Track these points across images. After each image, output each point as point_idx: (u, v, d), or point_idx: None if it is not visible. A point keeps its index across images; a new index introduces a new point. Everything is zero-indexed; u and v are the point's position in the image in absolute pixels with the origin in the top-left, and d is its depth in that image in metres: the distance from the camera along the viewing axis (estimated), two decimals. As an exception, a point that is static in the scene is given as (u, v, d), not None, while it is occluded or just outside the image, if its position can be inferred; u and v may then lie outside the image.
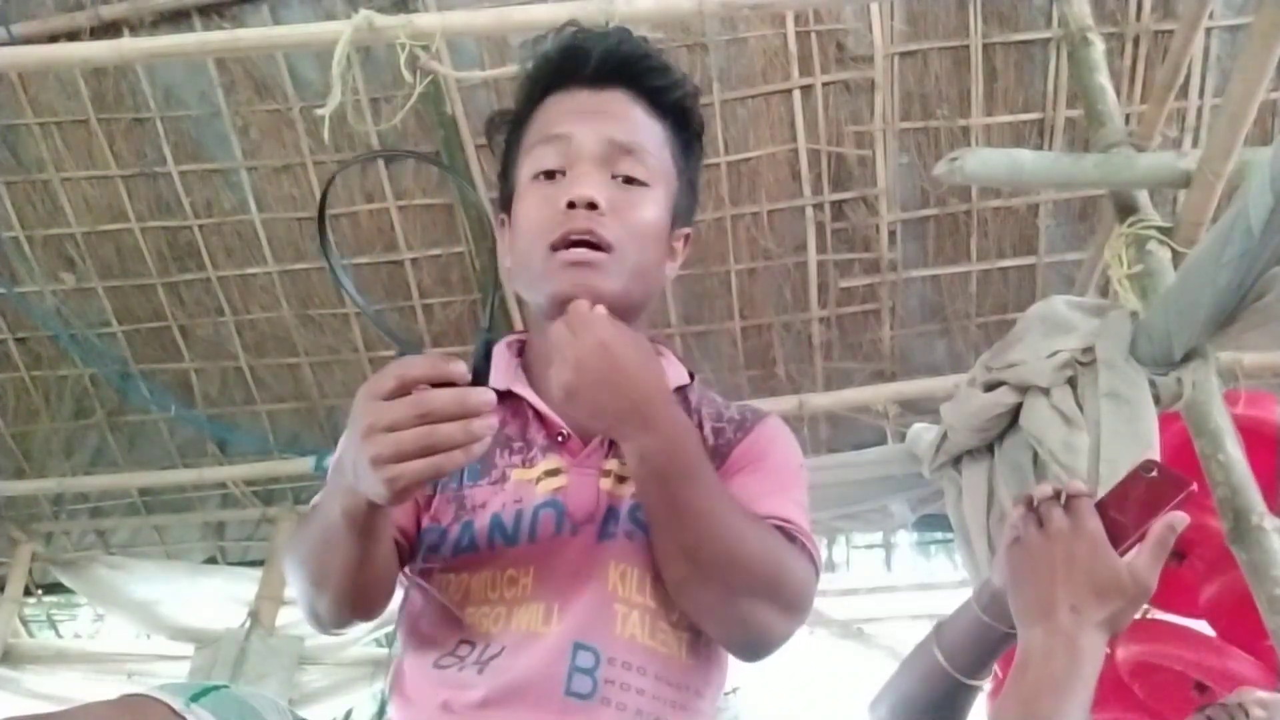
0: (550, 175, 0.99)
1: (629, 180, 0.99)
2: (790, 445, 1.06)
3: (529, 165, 1.01)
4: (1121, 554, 0.91)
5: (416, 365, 0.75)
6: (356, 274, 3.96)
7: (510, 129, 1.09)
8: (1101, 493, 0.96)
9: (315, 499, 0.98)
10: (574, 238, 0.95)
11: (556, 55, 1.05)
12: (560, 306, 0.95)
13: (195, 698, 0.76)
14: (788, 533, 0.93)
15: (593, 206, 0.95)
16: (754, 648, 0.93)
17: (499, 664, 0.89)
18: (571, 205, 0.95)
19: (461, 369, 0.75)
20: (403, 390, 0.74)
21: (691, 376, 1.09)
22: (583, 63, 1.02)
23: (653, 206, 1.00)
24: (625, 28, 1.10)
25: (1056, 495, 0.96)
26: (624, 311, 0.97)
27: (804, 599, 0.92)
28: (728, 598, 0.89)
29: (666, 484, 0.87)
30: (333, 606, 0.89)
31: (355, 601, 0.89)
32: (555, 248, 0.95)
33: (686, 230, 1.10)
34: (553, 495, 0.94)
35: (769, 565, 0.89)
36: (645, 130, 1.02)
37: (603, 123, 0.99)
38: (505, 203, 1.08)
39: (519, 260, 1.02)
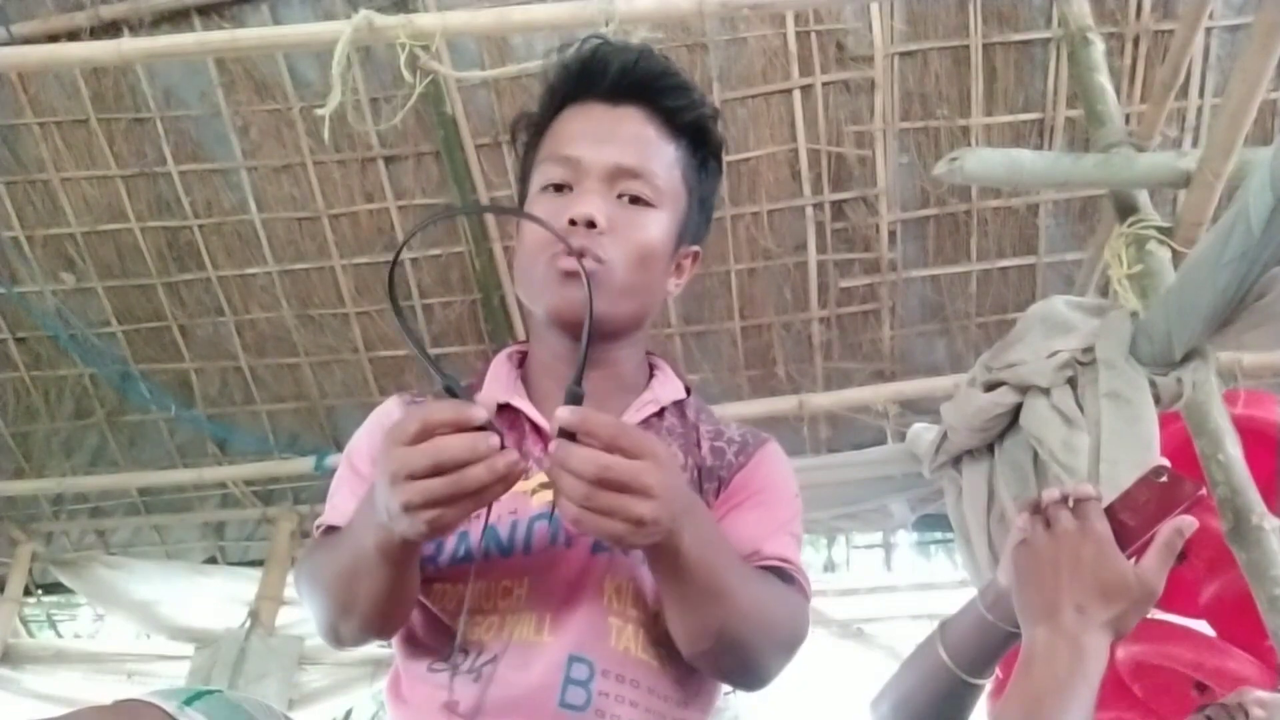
0: (558, 189, 1.00)
1: (635, 200, 1.00)
2: (789, 475, 1.07)
3: (539, 178, 1.03)
4: (1128, 557, 0.92)
5: (438, 411, 0.77)
6: (356, 274, 3.97)
7: (530, 134, 1.10)
8: (1105, 493, 0.97)
9: (321, 519, 1.01)
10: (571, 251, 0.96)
11: (575, 67, 1.05)
12: (555, 319, 0.98)
13: (188, 701, 0.76)
14: (787, 573, 0.95)
15: (592, 225, 0.96)
16: (753, 684, 0.95)
17: (494, 672, 0.90)
18: (573, 222, 0.96)
19: (481, 414, 0.77)
20: (426, 436, 0.77)
21: (688, 391, 1.10)
22: (600, 77, 1.03)
23: (655, 227, 1.00)
24: (648, 45, 1.09)
25: (1064, 499, 0.96)
26: (615, 327, 0.99)
27: (800, 640, 0.95)
28: (745, 658, 0.91)
29: (713, 568, 0.85)
30: (359, 630, 0.92)
31: (383, 624, 0.92)
32: (554, 257, 0.96)
33: (695, 248, 1.10)
34: (547, 507, 0.94)
35: (778, 621, 0.92)
36: (656, 151, 1.02)
37: (613, 146, 1.00)
38: (521, 205, 1.09)
39: (521, 267, 1.03)
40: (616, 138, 1.01)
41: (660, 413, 1.04)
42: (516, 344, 1.13)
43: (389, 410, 1.07)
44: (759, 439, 1.07)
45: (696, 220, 1.09)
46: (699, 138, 1.07)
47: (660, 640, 0.94)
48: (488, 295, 3.90)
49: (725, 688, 1.01)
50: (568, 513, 0.77)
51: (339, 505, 0.99)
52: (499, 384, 1.04)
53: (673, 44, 3.35)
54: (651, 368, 1.10)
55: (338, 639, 0.95)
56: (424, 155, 3.70)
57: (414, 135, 3.64)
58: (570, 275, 0.95)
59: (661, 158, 1.02)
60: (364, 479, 1.00)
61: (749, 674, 0.93)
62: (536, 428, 1.00)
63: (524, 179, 1.10)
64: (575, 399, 0.80)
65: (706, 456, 1.02)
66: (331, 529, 0.98)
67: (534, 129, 1.09)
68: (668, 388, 1.06)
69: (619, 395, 1.03)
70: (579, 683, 0.89)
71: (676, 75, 1.06)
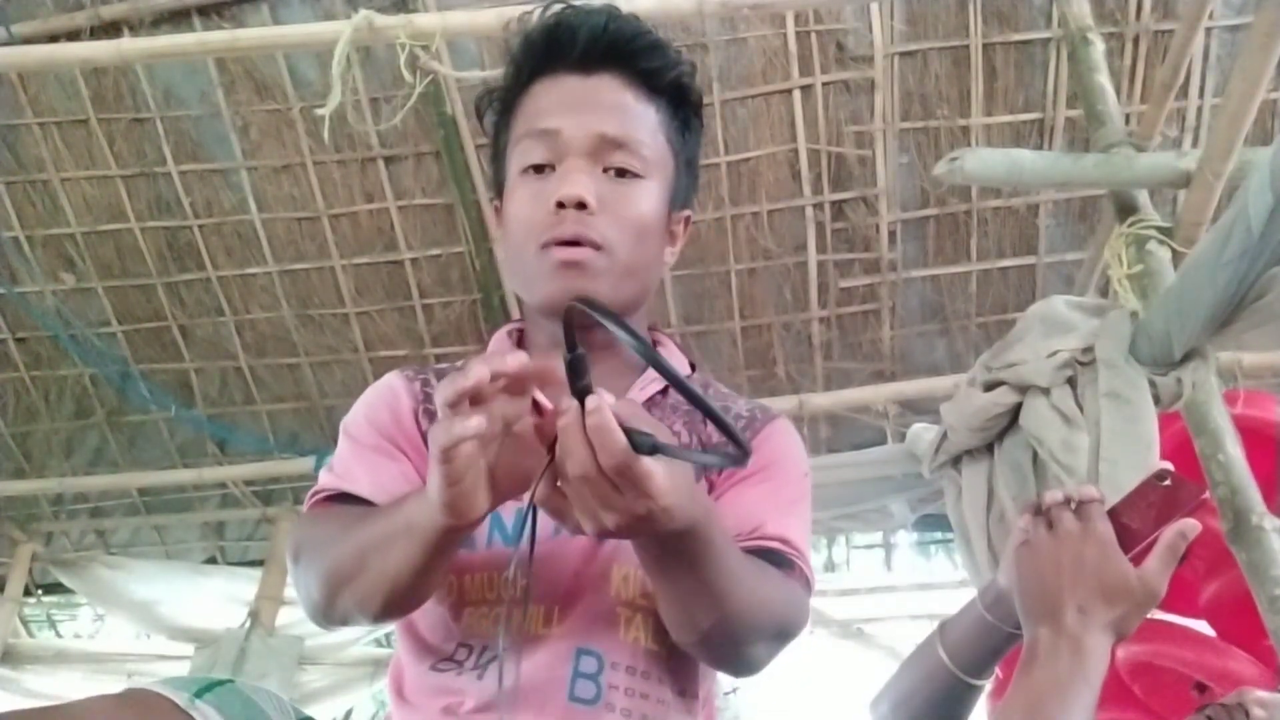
0: (540, 169, 0.95)
1: (621, 173, 0.95)
2: (798, 451, 1.03)
3: (518, 158, 0.97)
4: (1131, 559, 0.92)
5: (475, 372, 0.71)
6: (356, 274, 3.97)
7: (499, 111, 1.05)
8: (1105, 493, 0.97)
9: (319, 487, 0.96)
10: (564, 240, 0.91)
11: (541, 38, 0.98)
12: (552, 311, 0.92)
13: (200, 693, 0.75)
14: (786, 556, 0.91)
15: (582, 206, 0.91)
16: (745, 673, 0.92)
17: (500, 668, 0.87)
18: (561, 205, 0.91)
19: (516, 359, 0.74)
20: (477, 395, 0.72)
21: (693, 367, 1.08)
22: (569, 46, 0.97)
23: (646, 199, 0.96)
24: (614, 5, 1.01)
25: (1067, 501, 0.96)
26: (620, 308, 0.94)
27: (796, 629, 0.91)
28: (734, 651, 0.86)
29: (709, 548, 0.78)
30: (359, 604, 0.84)
31: (397, 604, 0.84)
32: (546, 246, 0.92)
33: (687, 212, 1.05)
34: None
35: (772, 616, 0.86)
36: (638, 118, 0.97)
37: (593, 115, 0.94)
38: (498, 188, 1.04)
39: (511, 256, 0.99)
40: (596, 107, 0.95)
41: (664, 390, 1.00)
42: (514, 321, 1.10)
43: (389, 384, 1.03)
44: (767, 414, 1.04)
45: (685, 184, 1.04)
46: (678, 96, 1.01)
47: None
48: (488, 295, 3.90)
49: (726, 687, 1.00)
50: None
51: (341, 472, 0.95)
52: None
53: (673, 44, 3.34)
54: (655, 344, 1.07)
55: (330, 610, 0.86)
56: (424, 155, 3.70)
57: (414, 135, 3.64)
58: (567, 265, 0.91)
59: (645, 124, 0.97)
60: (364, 447, 0.96)
61: (738, 665, 0.89)
62: (539, 409, 0.98)
63: (497, 159, 1.04)
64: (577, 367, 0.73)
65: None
66: (329, 498, 0.94)
67: (503, 107, 1.03)
68: (671, 364, 1.04)
69: (622, 375, 0.99)
70: (588, 676, 0.87)
71: (649, 34, 1.00)
